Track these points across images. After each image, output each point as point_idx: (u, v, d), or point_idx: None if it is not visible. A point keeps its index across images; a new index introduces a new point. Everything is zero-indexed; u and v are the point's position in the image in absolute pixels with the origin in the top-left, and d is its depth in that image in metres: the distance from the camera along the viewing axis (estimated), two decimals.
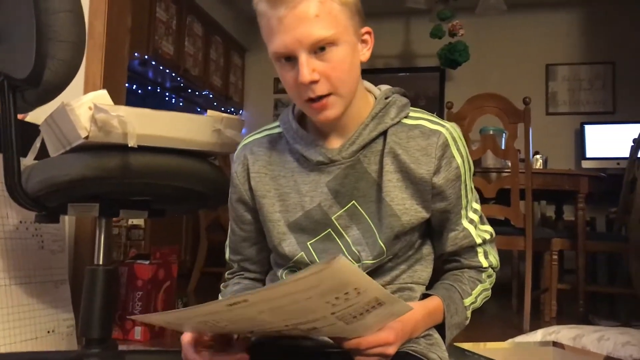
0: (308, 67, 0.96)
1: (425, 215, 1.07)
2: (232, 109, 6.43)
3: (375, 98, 1.10)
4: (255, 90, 6.71)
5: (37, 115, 2.00)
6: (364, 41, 1.05)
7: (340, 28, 0.97)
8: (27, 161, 1.75)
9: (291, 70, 0.99)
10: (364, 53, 1.05)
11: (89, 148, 1.51)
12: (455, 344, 1.66)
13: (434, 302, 1.07)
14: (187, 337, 0.96)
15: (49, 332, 2.08)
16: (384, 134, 1.07)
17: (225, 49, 6.19)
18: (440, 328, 1.09)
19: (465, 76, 5.91)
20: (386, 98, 1.09)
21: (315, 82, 0.97)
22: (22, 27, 1.55)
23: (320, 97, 0.98)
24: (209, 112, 1.65)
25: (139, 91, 5.22)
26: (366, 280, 0.80)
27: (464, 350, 1.66)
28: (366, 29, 1.05)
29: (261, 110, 6.61)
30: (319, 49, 0.96)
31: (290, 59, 0.98)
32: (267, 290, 0.78)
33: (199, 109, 5.98)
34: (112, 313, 1.80)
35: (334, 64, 0.97)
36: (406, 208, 1.05)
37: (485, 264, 1.14)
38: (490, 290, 1.17)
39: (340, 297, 0.79)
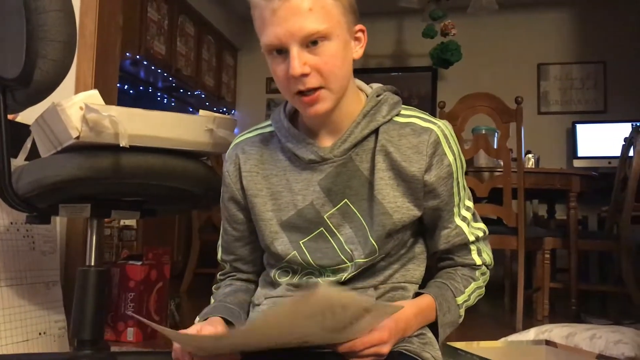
0: (299, 60, 0.96)
1: (417, 213, 1.07)
2: (225, 109, 6.42)
3: (367, 96, 1.10)
4: (247, 90, 6.70)
5: (27, 116, 1.99)
6: (357, 39, 1.06)
7: (333, 23, 0.98)
8: (18, 162, 1.74)
9: (282, 63, 0.99)
10: (357, 50, 1.06)
11: (80, 148, 1.50)
12: (448, 343, 1.66)
13: (426, 300, 1.07)
14: None
15: (40, 334, 2.06)
16: (375, 131, 1.07)
17: (218, 49, 6.17)
18: (434, 327, 1.09)
19: (458, 76, 5.92)
20: (377, 96, 1.09)
21: (306, 75, 0.97)
22: (12, 26, 1.54)
23: (311, 90, 0.98)
24: (201, 112, 1.65)
25: (131, 91, 5.20)
26: (351, 297, 0.81)
27: (457, 349, 1.66)
28: (360, 26, 1.05)
29: (253, 110, 6.61)
30: (311, 42, 0.96)
31: (282, 51, 0.98)
32: (248, 329, 0.81)
33: (191, 109, 5.97)
34: (104, 314, 1.79)
35: (325, 58, 0.98)
36: (398, 206, 1.05)
37: (478, 261, 1.14)
38: (484, 288, 1.17)
39: (327, 315, 0.79)
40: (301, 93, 0.99)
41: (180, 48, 5.32)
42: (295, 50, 0.96)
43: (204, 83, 5.85)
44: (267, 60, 1.03)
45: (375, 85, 1.13)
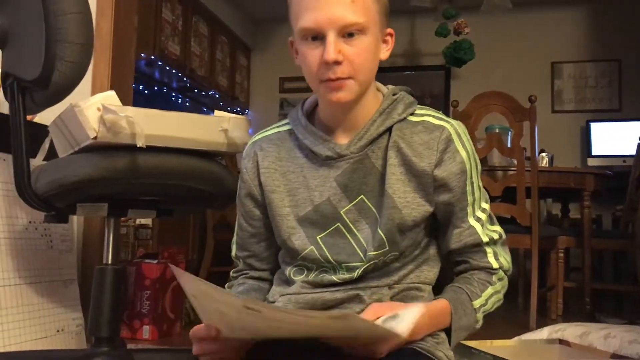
0: (335, 47, 0.99)
1: (428, 208, 1.08)
2: (238, 109, 6.45)
3: (384, 96, 1.12)
4: (261, 90, 6.72)
5: (45, 116, 2.02)
6: (385, 41, 1.09)
7: (370, 19, 1.02)
8: (36, 162, 1.77)
9: (316, 49, 1.01)
10: (384, 52, 1.09)
11: (97, 148, 1.52)
12: (461, 341, 1.67)
13: (441, 303, 1.07)
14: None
15: (58, 331, 2.09)
16: (389, 129, 1.09)
17: (231, 49, 6.20)
18: (449, 331, 1.08)
19: (471, 74, 5.91)
20: (393, 95, 1.12)
21: (338, 63, 1.00)
22: (31, 29, 1.56)
23: (340, 79, 1.01)
24: (216, 112, 1.67)
25: (146, 92, 5.23)
26: (372, 327, 0.87)
27: (470, 347, 1.66)
28: (389, 30, 1.10)
29: (267, 110, 6.63)
30: (347, 34, 1.00)
31: (317, 38, 1.01)
32: (282, 313, 0.83)
33: (205, 109, 6.00)
34: (120, 312, 1.81)
35: (359, 51, 1.01)
36: (407, 201, 1.06)
37: (495, 265, 1.12)
38: (502, 295, 1.15)
39: (349, 334, 0.87)
40: (329, 80, 1.01)
41: (194, 48, 5.35)
42: (332, 37, 0.99)
43: (217, 83, 5.88)
44: (298, 46, 1.05)
45: (391, 86, 1.15)
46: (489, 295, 1.11)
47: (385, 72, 6.14)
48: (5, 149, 1.91)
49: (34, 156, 1.77)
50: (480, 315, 1.10)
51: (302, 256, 1.11)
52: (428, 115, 1.10)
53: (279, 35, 6.46)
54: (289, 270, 1.14)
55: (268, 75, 6.58)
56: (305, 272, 1.12)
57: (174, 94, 5.60)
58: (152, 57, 4.65)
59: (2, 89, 1.68)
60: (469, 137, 1.10)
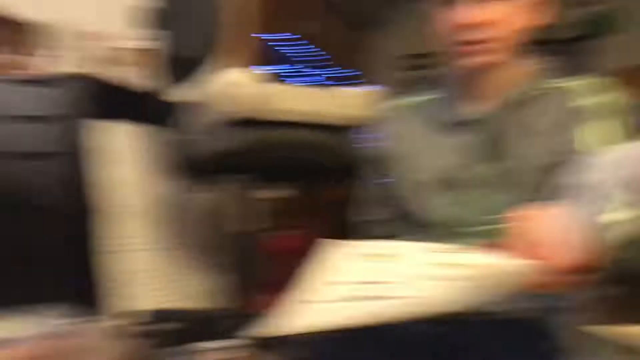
0: (471, 11, 0.98)
1: None
2: (367, 86, 6.44)
3: (528, 67, 1.09)
4: (385, 67, 6.66)
5: (187, 93, 2.12)
6: (538, 9, 1.04)
7: None
8: (179, 135, 1.87)
9: (451, 12, 1.00)
10: (534, 21, 1.04)
11: (238, 123, 1.59)
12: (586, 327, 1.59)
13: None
14: None
15: (192, 294, 2.20)
16: (526, 98, 1.06)
17: (354, 27, 6.20)
18: None
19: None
20: (538, 65, 1.09)
21: (474, 26, 0.99)
22: (186, 10, 1.65)
23: (475, 43, 1.00)
24: (349, 88, 1.69)
25: (278, 69, 5.36)
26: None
27: (597, 335, 1.59)
28: None
29: (391, 87, 6.55)
30: None
31: (455, 2, 1.00)
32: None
33: (333, 85, 6.06)
34: (254, 280, 1.88)
35: (496, 16, 0.99)
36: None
37: None
38: None
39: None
40: (464, 44, 1.01)
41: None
42: (467, 0, 0.99)
43: (346, 61, 5.92)
44: (434, 15, 1.04)
45: (537, 57, 1.11)
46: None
47: (542, 45, 5.83)
48: (151, 122, 2.03)
49: (176, 130, 1.87)
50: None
51: (428, 221, 1.09)
52: (572, 84, 1.06)
53: (403, 12, 6.37)
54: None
55: (391, 52, 6.52)
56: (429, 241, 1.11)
57: (303, 71, 5.70)
58: (286, 35, 4.76)
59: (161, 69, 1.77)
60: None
